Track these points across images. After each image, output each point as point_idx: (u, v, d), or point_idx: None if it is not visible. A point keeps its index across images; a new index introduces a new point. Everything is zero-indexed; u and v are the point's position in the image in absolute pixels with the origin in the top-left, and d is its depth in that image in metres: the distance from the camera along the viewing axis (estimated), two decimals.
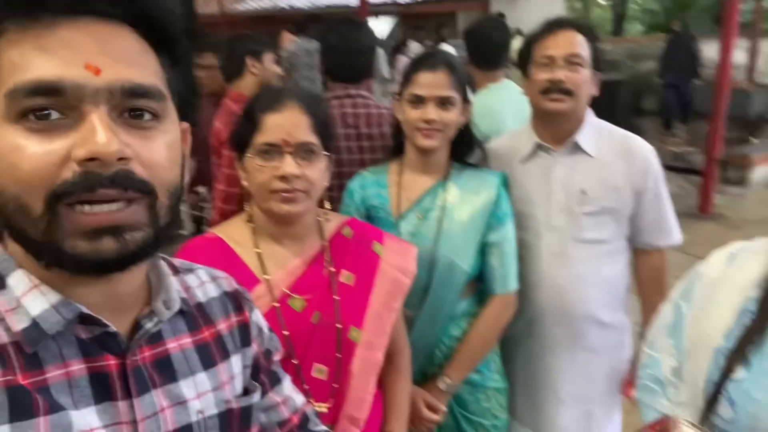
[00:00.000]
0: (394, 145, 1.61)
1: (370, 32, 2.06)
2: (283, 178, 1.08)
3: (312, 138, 1.11)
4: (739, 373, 0.94)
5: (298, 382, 1.11)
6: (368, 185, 1.56)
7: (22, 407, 0.51)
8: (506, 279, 1.52)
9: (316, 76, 7.33)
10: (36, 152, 0.49)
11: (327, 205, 1.25)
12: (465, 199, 1.50)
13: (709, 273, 1.07)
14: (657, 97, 10.06)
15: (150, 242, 0.55)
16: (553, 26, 1.59)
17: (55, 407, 0.52)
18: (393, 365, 1.30)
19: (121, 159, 0.51)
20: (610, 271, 1.64)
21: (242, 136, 1.14)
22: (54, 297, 0.55)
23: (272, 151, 1.10)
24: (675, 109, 8.73)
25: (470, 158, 1.57)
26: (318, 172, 1.13)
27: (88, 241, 0.51)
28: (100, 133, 0.50)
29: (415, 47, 9.00)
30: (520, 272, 1.56)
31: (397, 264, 1.27)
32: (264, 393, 0.79)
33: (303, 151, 1.10)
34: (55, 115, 0.50)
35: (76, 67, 0.50)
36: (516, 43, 8.88)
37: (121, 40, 0.54)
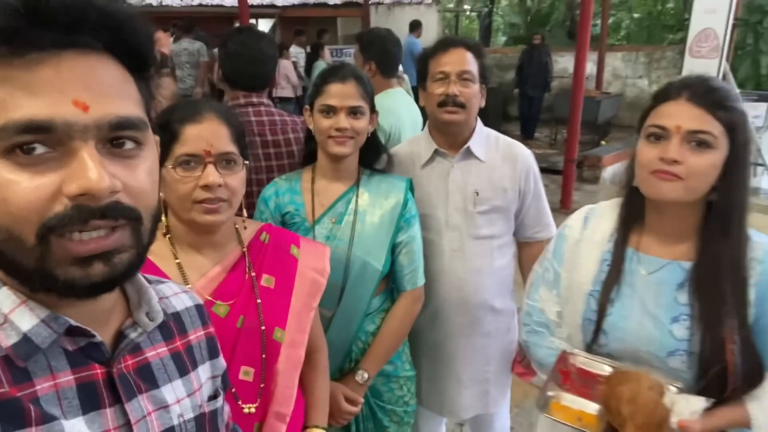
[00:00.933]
0: (306, 153, 1.66)
1: (271, 41, 2.08)
2: (206, 187, 1.09)
3: (232, 148, 1.14)
4: (608, 309, 1.23)
5: None
6: (282, 192, 1.60)
7: (14, 418, 0.52)
8: (414, 275, 1.64)
9: (197, 76, 7.12)
10: (27, 187, 0.50)
11: (244, 212, 1.28)
12: (375, 203, 1.60)
13: (571, 234, 1.35)
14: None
15: (135, 262, 0.58)
16: (446, 44, 1.74)
17: (47, 417, 0.54)
18: (312, 362, 1.35)
19: (111, 192, 0.52)
20: (501, 262, 1.83)
21: (160, 148, 1.13)
22: (42, 312, 0.56)
23: (193, 161, 1.11)
24: (527, 119, 9.45)
25: (377, 164, 1.67)
26: (239, 181, 1.15)
27: (79, 267, 0.53)
28: (91, 170, 0.51)
29: (296, 52, 8.98)
30: (424, 267, 1.69)
31: (313, 265, 1.32)
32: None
33: (224, 161, 1.12)
34: (41, 149, 0.50)
35: (64, 104, 0.51)
36: None
37: (105, 71, 0.54)
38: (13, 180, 0.50)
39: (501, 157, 1.79)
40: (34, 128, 0.50)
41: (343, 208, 1.58)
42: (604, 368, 1.18)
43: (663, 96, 1.18)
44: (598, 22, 10.71)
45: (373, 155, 1.65)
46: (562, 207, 6.14)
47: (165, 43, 7.63)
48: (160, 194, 1.11)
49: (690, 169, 1.11)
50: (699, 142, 1.11)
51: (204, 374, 0.76)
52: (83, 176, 0.50)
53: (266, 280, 1.24)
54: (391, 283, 1.69)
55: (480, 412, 1.93)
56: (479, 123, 1.82)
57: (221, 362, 0.82)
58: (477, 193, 1.76)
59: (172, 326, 0.73)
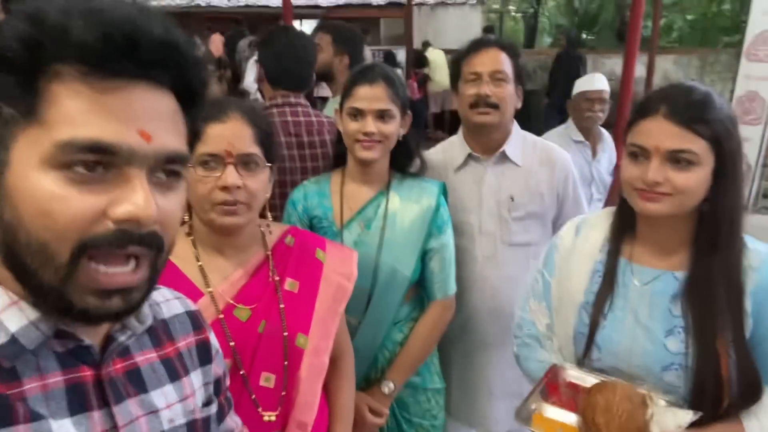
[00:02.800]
0: (336, 156, 1.63)
1: (313, 43, 2.08)
2: (225, 189, 1.07)
3: (255, 149, 1.11)
4: (601, 322, 1.19)
5: (245, 392, 1.11)
6: (311, 196, 1.57)
7: (2, 415, 0.52)
8: (445, 284, 1.59)
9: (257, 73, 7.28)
10: (76, 204, 0.51)
11: (269, 215, 1.25)
12: (406, 208, 1.55)
13: (562, 244, 1.31)
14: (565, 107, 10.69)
15: (147, 296, 0.60)
16: (479, 45, 1.69)
17: (34, 416, 0.54)
18: (337, 369, 1.31)
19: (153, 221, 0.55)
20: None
21: None
22: (32, 313, 0.56)
23: (214, 161, 1.09)
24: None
25: (410, 168, 1.62)
26: (260, 184, 1.12)
27: (98, 299, 0.54)
28: (141, 197, 0.53)
29: None
30: (456, 275, 1.63)
31: (340, 270, 1.28)
32: (223, 416, 0.84)
33: (245, 163, 1.10)
34: (99, 169, 0.52)
35: (131, 132, 0.53)
36: (433, 54, 8.99)
37: (165, 105, 0.57)
38: (63, 195, 0.51)
39: (538, 161, 1.73)
40: (99, 149, 0.51)
41: (372, 212, 1.55)
42: (593, 382, 1.16)
43: (642, 111, 1.13)
44: (649, 23, 10.37)
45: (405, 159, 1.61)
46: None
47: (218, 45, 7.82)
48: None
49: (674, 186, 1.07)
50: (679, 160, 1.07)
51: (197, 381, 0.76)
52: (134, 202, 0.53)
53: (290, 285, 1.21)
54: (421, 291, 1.64)
55: (513, 428, 1.85)
56: (516, 126, 1.76)
57: (214, 369, 0.81)
58: (512, 199, 1.70)
59: (161, 332, 0.73)
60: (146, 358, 0.69)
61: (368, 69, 1.53)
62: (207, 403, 0.77)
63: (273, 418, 1.14)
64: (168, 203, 0.57)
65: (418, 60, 8.88)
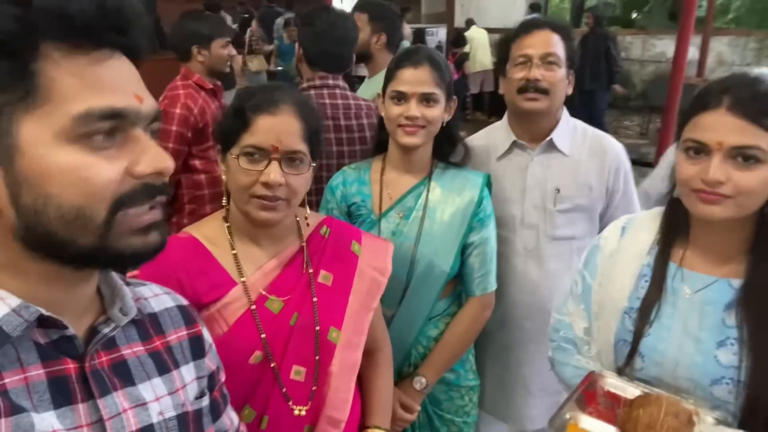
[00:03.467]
0: (377, 142, 1.58)
1: (354, 23, 2.01)
2: (266, 184, 1.04)
3: (302, 146, 1.07)
4: (646, 330, 1.12)
5: (276, 385, 1.10)
6: (350, 182, 1.53)
7: None
8: (485, 280, 1.53)
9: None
10: (104, 168, 0.56)
11: (306, 207, 1.21)
12: (448, 200, 1.49)
13: (606, 245, 1.23)
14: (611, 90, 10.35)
15: (167, 231, 0.64)
16: (529, 26, 1.59)
17: (16, 409, 0.55)
18: (374, 361, 1.29)
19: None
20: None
21: (229, 133, 1.08)
22: (14, 301, 0.57)
23: (259, 154, 1.05)
24: (590, 117, 6.48)
25: (453, 156, 1.56)
26: (302, 181, 1.09)
27: (140, 236, 0.59)
28: (158, 152, 0.59)
29: None
30: (496, 268, 1.57)
31: (374, 264, 1.25)
32: (219, 413, 0.84)
33: (290, 159, 1.06)
34: (118, 136, 0.57)
35: (130, 96, 0.58)
36: (473, 32, 8.80)
37: (134, 70, 0.61)
38: (91, 163, 0.55)
39: (588, 151, 1.64)
40: (114, 115, 0.56)
41: (412, 202, 1.49)
42: (634, 392, 1.09)
43: (701, 103, 1.02)
44: (704, 2, 9.89)
45: (449, 146, 1.54)
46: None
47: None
48: (223, 178, 1.12)
49: (738, 187, 0.98)
50: (745, 157, 0.97)
51: (188, 374, 0.77)
52: (154, 157, 0.59)
53: (324, 277, 1.18)
54: (459, 286, 1.58)
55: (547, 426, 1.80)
56: (565, 113, 1.67)
57: (207, 364, 0.81)
58: (558, 190, 1.62)
59: (148, 326, 0.74)
60: (133, 351, 0.70)
61: (413, 51, 1.46)
62: (199, 397, 0.78)
63: (303, 413, 1.12)
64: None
65: (456, 39, 8.70)
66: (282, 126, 1.05)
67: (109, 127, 0.55)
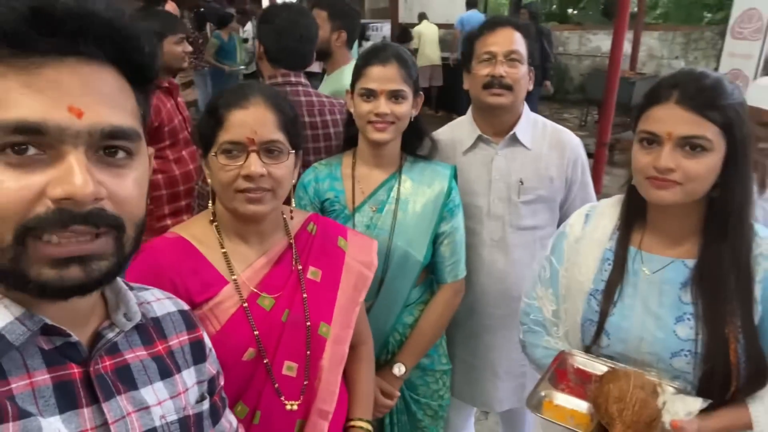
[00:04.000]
0: (347, 138, 1.60)
1: (314, 20, 2.01)
2: (248, 177, 1.05)
3: (278, 136, 1.08)
4: (610, 309, 1.21)
5: (268, 381, 1.11)
6: (322, 178, 1.55)
7: None
8: (456, 267, 1.58)
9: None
10: (11, 186, 0.50)
11: (292, 202, 1.22)
12: (418, 192, 1.54)
13: (572, 232, 1.32)
14: (553, 83, 10.68)
15: (113, 270, 0.58)
16: (493, 24, 1.66)
17: (24, 413, 0.54)
18: (357, 355, 1.31)
19: (95, 199, 0.53)
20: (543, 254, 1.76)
21: (206, 134, 1.09)
22: (17, 310, 0.56)
23: (236, 149, 1.06)
24: None
25: (421, 150, 1.61)
26: (284, 170, 1.09)
27: (54, 269, 0.53)
28: (77, 175, 0.51)
29: None
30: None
31: (360, 258, 1.27)
32: (218, 417, 0.84)
33: (269, 150, 1.07)
34: (32, 150, 0.51)
35: (59, 109, 0.51)
36: (422, 28, 8.87)
37: (103, 81, 0.55)
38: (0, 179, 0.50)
39: (548, 145, 1.72)
40: (26, 129, 0.50)
41: (384, 195, 1.53)
42: (601, 369, 1.18)
43: (653, 97, 1.12)
44: None
45: (417, 141, 1.59)
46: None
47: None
48: (208, 180, 1.11)
49: (686, 174, 1.07)
50: (693, 146, 1.07)
51: (189, 378, 0.77)
52: (69, 181, 0.51)
53: (312, 273, 1.20)
54: (430, 275, 1.64)
55: (515, 406, 1.89)
56: (526, 108, 1.74)
57: (207, 368, 0.82)
58: (521, 182, 1.69)
59: (151, 331, 0.74)
60: (136, 355, 0.69)
61: (380, 48, 1.49)
62: (200, 400, 0.78)
63: (295, 407, 1.14)
64: (120, 182, 0.56)
65: (402, 34, 8.75)
66: (254, 118, 1.06)
67: (21, 141, 0.50)
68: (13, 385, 0.55)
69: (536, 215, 1.72)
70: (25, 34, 0.50)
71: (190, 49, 2.63)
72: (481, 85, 1.62)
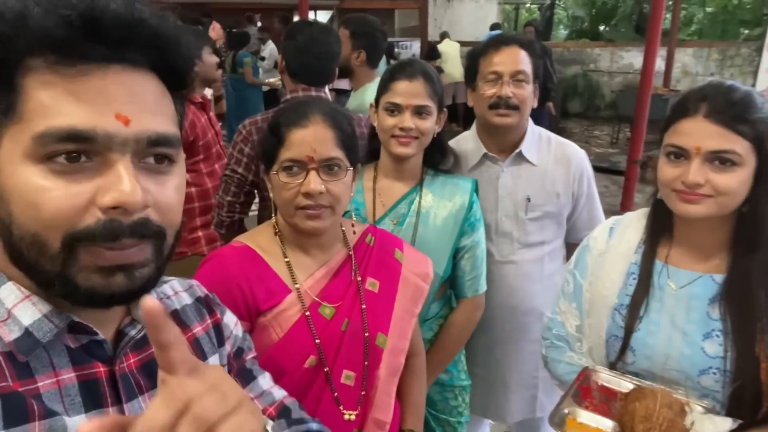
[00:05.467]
0: (369, 151, 1.61)
1: (337, 37, 2.05)
2: (308, 194, 1.08)
3: (337, 153, 1.10)
4: (636, 325, 1.18)
5: (327, 389, 1.13)
6: None
7: (16, 412, 0.52)
8: (476, 282, 1.58)
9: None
10: (61, 195, 0.51)
11: (353, 217, 1.23)
12: (440, 205, 1.54)
13: (595, 246, 1.30)
14: (582, 101, 10.59)
15: (154, 277, 0.58)
16: (499, 42, 1.65)
17: (49, 412, 0.54)
18: (410, 367, 1.32)
19: (143, 207, 0.53)
20: (551, 268, 1.75)
21: (268, 152, 1.13)
22: (45, 307, 0.56)
23: (297, 167, 1.09)
24: None
25: (444, 165, 1.61)
26: (343, 187, 1.12)
27: (102, 276, 0.54)
28: (126, 183, 0.52)
29: None
30: None
31: (416, 270, 1.29)
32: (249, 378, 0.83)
33: (328, 167, 1.10)
34: (82, 158, 0.51)
35: (107, 116, 0.52)
36: (445, 46, 8.94)
37: (147, 88, 0.56)
38: (48, 186, 0.51)
39: (554, 160, 1.71)
40: (75, 137, 0.51)
41: (405, 208, 1.54)
42: (626, 386, 1.15)
43: (681, 110, 1.10)
44: (669, 15, 10.22)
45: (439, 156, 1.59)
46: (623, 210, 5.89)
47: (217, 32, 7.85)
48: (270, 195, 1.14)
49: (716, 188, 1.05)
50: (722, 160, 1.04)
51: (216, 364, 0.76)
52: (118, 189, 0.51)
53: (371, 284, 1.22)
54: (449, 289, 1.63)
55: (527, 416, 1.87)
56: (530, 123, 1.74)
57: (225, 351, 0.81)
58: (528, 199, 1.69)
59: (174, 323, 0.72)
60: None
61: (407, 64, 1.51)
62: None
63: (353, 417, 1.15)
64: (163, 190, 0.56)
65: (430, 52, 8.84)
66: (314, 136, 1.09)
67: (72, 149, 0.51)
68: (40, 384, 0.55)
69: (544, 230, 1.72)
70: (75, 41, 0.50)
71: (218, 59, 2.72)
72: (487, 105, 1.62)
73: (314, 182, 1.07)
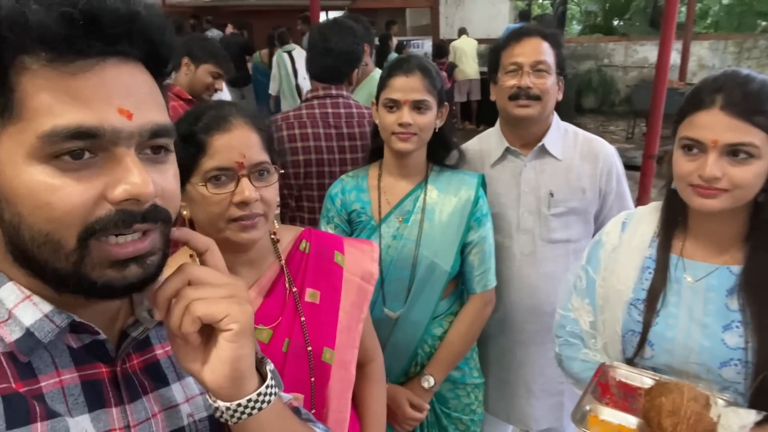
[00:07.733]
0: (373, 149, 1.61)
1: (353, 34, 2.02)
2: (242, 204, 0.98)
3: (265, 156, 1.02)
4: (653, 319, 1.16)
5: None
6: (348, 190, 1.56)
7: (18, 413, 0.52)
8: (485, 278, 1.56)
9: None
10: (72, 192, 0.51)
11: (275, 222, 1.14)
12: (445, 201, 1.53)
13: (608, 240, 1.28)
14: (596, 96, 10.49)
15: (162, 263, 0.59)
16: (520, 34, 1.63)
17: (51, 413, 0.54)
18: (365, 375, 1.25)
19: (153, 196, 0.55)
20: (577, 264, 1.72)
21: (184, 163, 0.98)
22: (46, 307, 0.56)
23: (225, 175, 0.99)
24: None
25: (448, 161, 1.60)
26: (273, 192, 1.04)
27: (116, 270, 0.54)
28: (136, 175, 0.53)
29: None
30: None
31: (359, 271, 1.20)
32: None
33: (258, 172, 1.01)
34: (87, 155, 0.52)
35: (110, 112, 0.52)
36: (460, 43, 8.94)
37: (140, 80, 0.56)
38: (58, 185, 0.51)
39: (580, 155, 1.68)
40: (83, 134, 0.51)
41: (410, 205, 1.53)
42: (645, 381, 1.13)
43: (696, 102, 1.07)
44: (684, 8, 10.09)
45: (443, 151, 1.58)
46: (639, 205, 5.82)
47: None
48: (184, 213, 1.03)
49: (733, 181, 1.04)
50: (739, 153, 1.03)
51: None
52: (129, 182, 0.52)
53: (310, 295, 1.13)
54: (460, 285, 1.62)
55: (552, 425, 1.83)
56: (555, 117, 1.71)
57: None
58: (552, 195, 1.65)
59: None
60: (165, 351, 0.68)
61: (404, 60, 1.51)
62: None
63: None
64: (164, 178, 0.57)
65: (437, 51, 8.81)
66: (240, 140, 1.00)
67: (79, 146, 0.51)
68: (43, 383, 0.55)
69: (568, 228, 1.68)
70: (75, 37, 0.50)
71: (219, 89, 2.73)
72: (507, 96, 1.60)
73: (248, 189, 0.98)
